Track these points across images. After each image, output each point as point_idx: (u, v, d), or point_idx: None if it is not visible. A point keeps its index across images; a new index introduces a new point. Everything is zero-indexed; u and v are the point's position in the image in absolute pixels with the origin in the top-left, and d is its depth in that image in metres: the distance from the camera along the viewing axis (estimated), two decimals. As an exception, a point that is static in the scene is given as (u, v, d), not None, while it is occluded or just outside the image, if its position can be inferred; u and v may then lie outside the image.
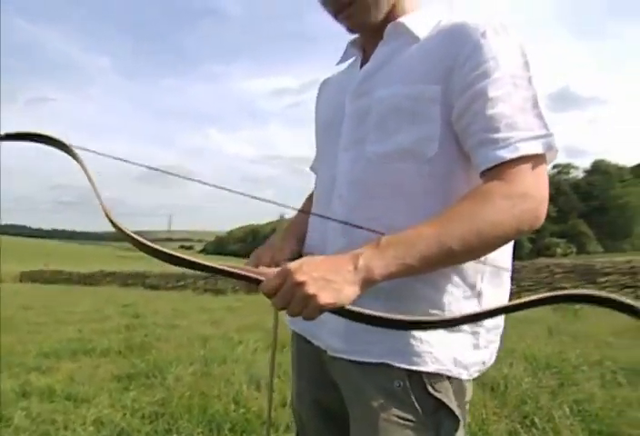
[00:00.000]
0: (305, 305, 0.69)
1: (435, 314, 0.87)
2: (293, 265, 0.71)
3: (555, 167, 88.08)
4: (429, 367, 0.87)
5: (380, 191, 0.90)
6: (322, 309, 0.69)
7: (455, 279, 0.88)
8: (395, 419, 0.87)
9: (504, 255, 0.94)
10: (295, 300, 0.69)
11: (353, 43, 1.07)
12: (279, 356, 5.07)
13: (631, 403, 3.10)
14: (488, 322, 0.92)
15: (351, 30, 1.00)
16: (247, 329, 7.07)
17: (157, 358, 4.64)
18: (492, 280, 0.92)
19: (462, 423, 0.90)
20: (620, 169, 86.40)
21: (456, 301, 0.88)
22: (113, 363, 4.67)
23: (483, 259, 0.87)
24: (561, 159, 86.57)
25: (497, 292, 0.93)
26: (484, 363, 0.94)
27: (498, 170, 0.79)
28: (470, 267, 0.88)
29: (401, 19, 0.95)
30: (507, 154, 0.78)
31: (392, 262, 0.73)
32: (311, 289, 0.68)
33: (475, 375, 0.93)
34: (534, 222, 0.78)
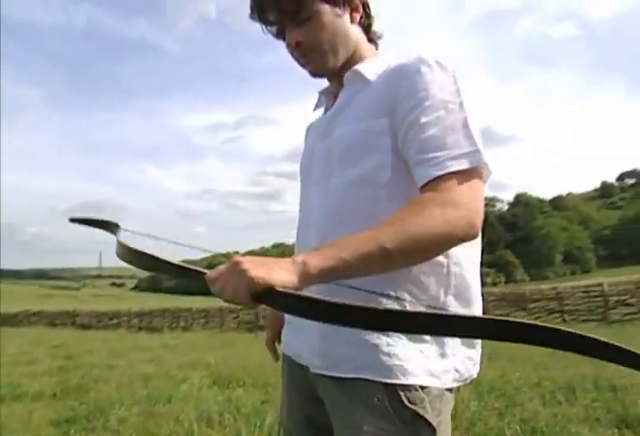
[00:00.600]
0: (238, 281, 0.72)
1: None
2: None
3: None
4: (401, 380, 0.91)
5: (346, 216, 0.97)
6: (250, 282, 0.71)
7: (415, 291, 0.93)
8: (376, 430, 0.90)
9: (471, 275, 1.00)
10: (231, 277, 0.73)
11: (323, 91, 1.18)
12: (227, 392, 4.97)
13: (571, 419, 3.28)
14: None
15: (313, 75, 1.10)
16: (189, 366, 6.85)
17: (97, 400, 4.42)
18: (458, 295, 0.96)
19: (439, 433, 0.93)
20: (540, 201, 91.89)
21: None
22: (48, 408, 4.40)
23: (446, 271, 0.93)
24: (486, 193, 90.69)
25: (466, 310, 0.99)
26: (457, 371, 0.96)
27: (431, 185, 0.86)
28: (432, 281, 0.93)
29: (357, 66, 1.05)
30: (437, 172, 0.85)
31: (328, 257, 0.76)
32: (246, 265, 0.72)
33: (452, 384, 0.96)
34: (468, 229, 0.82)
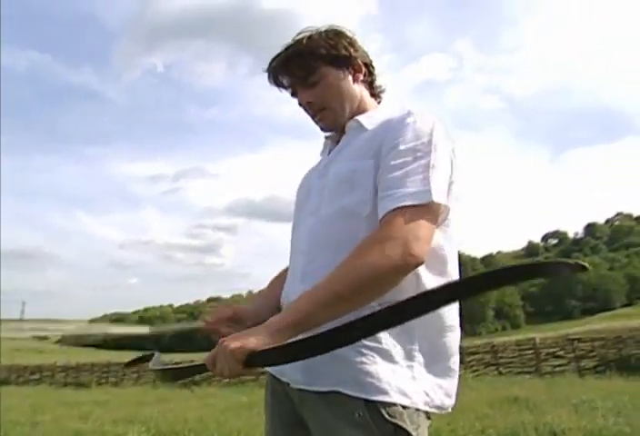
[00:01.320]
0: (225, 358, 0.90)
1: (374, 348, 1.01)
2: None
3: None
4: (376, 396, 0.98)
5: (330, 244, 1.09)
6: (233, 353, 0.89)
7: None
8: None
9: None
10: (220, 356, 0.91)
11: (328, 137, 1.32)
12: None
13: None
14: (419, 359, 1.04)
15: (324, 130, 1.26)
16: (125, 421, 6.46)
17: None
18: (427, 322, 1.02)
19: None
20: (472, 260, 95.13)
21: (389, 336, 1.02)
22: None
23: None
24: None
25: (435, 336, 1.07)
26: (427, 395, 1.03)
27: (385, 218, 0.99)
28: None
29: (357, 117, 1.21)
30: (390, 206, 0.99)
31: (289, 312, 0.94)
32: (226, 342, 0.91)
33: (423, 407, 1.02)
34: (406, 258, 0.92)
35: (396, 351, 1.02)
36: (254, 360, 0.90)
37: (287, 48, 1.21)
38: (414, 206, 0.98)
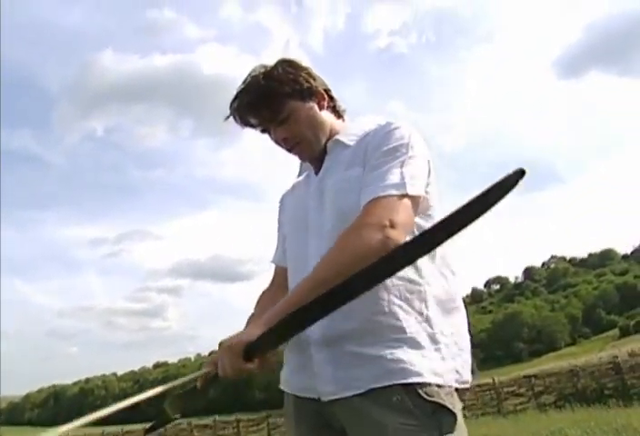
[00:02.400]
0: (227, 357, 1.01)
1: (401, 339, 1.07)
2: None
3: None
4: (411, 379, 1.03)
5: None
6: (231, 348, 1.00)
7: (407, 307, 1.10)
8: (402, 426, 1.01)
9: (442, 291, 1.16)
10: (222, 358, 1.02)
11: (303, 165, 1.37)
12: None
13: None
14: (444, 340, 1.11)
15: (303, 160, 1.33)
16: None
17: None
18: (437, 308, 1.13)
19: (459, 420, 1.05)
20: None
21: (412, 325, 1.09)
22: None
23: (423, 290, 1.11)
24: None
25: (447, 319, 1.14)
26: (458, 373, 1.11)
27: (364, 208, 1.08)
28: (415, 298, 1.11)
29: (337, 136, 1.26)
30: (367, 197, 1.08)
31: (279, 304, 1.04)
32: (224, 343, 1.03)
33: (455, 384, 1.09)
34: (384, 241, 1.00)
35: (422, 337, 1.08)
36: (252, 350, 0.98)
37: (248, 90, 1.22)
38: (390, 196, 1.06)
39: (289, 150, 1.27)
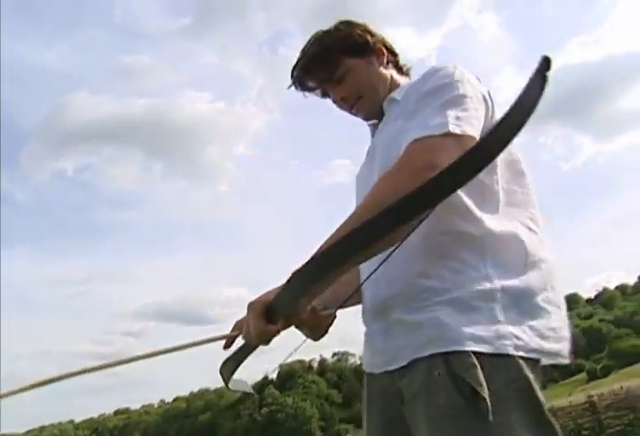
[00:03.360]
0: (249, 318, 0.93)
1: (446, 301, 0.97)
2: None
3: (335, 355, 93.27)
4: (451, 347, 0.93)
5: None
6: (255, 311, 0.92)
7: (455, 264, 1.00)
8: (439, 407, 0.92)
9: (505, 245, 1.02)
10: (247, 320, 0.95)
11: (370, 123, 1.32)
12: None
13: None
14: (502, 299, 0.97)
15: (366, 119, 1.29)
16: None
17: None
18: (501, 262, 1.00)
19: (495, 399, 0.89)
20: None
21: (461, 284, 0.98)
22: None
23: (480, 243, 1.00)
24: (338, 348, 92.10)
25: (516, 275, 1.00)
26: (518, 338, 0.94)
27: (405, 149, 1.00)
28: (468, 252, 1.00)
29: (390, 95, 1.22)
30: (407, 140, 1.00)
31: (321, 247, 0.93)
32: (249, 306, 0.95)
33: (511, 351, 0.93)
34: (412, 182, 0.86)
35: (474, 296, 0.96)
36: (273, 309, 0.91)
37: (303, 53, 1.23)
38: (429, 137, 0.96)
39: (349, 109, 1.25)
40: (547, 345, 0.98)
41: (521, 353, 0.94)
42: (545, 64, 0.68)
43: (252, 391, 1.24)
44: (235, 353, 1.13)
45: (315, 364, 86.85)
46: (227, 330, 1.14)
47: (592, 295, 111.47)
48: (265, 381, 77.64)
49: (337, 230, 0.94)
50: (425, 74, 1.12)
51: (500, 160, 1.07)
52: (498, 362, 0.92)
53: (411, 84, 1.18)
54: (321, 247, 0.92)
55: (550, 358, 1.00)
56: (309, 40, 1.24)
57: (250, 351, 1.11)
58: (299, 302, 0.92)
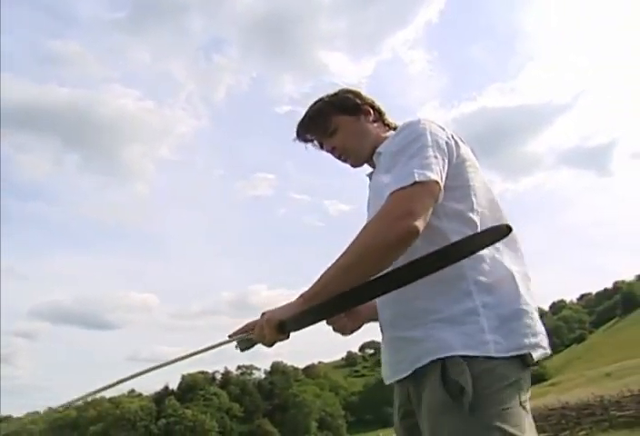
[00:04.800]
0: (263, 325, 1.18)
1: (439, 319, 1.17)
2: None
3: (239, 368, 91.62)
4: (446, 353, 1.13)
5: None
6: (268, 322, 1.17)
7: (443, 287, 1.19)
8: (436, 405, 1.12)
9: (484, 263, 1.21)
10: (259, 325, 1.20)
11: (368, 174, 1.51)
12: None
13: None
14: (485, 312, 1.16)
15: (353, 166, 1.51)
16: None
17: None
18: (478, 282, 1.19)
19: (482, 400, 1.08)
20: (295, 369, 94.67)
21: (450, 304, 1.18)
22: None
23: (461, 267, 1.17)
24: (244, 361, 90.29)
25: (490, 291, 1.19)
26: (498, 343, 1.13)
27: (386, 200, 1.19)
28: (453, 276, 1.18)
29: (378, 148, 1.40)
30: (385, 195, 1.19)
31: (313, 285, 1.18)
32: (267, 314, 1.19)
33: (493, 353, 1.12)
34: (398, 233, 1.11)
35: (460, 313, 1.16)
36: (285, 326, 1.16)
37: (305, 114, 1.51)
38: (401, 188, 1.16)
39: (339, 158, 1.49)
40: (526, 340, 1.17)
41: (502, 355, 1.13)
42: (505, 231, 1.08)
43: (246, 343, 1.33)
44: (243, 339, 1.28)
45: (219, 376, 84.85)
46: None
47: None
48: (166, 392, 74.78)
49: (332, 265, 1.17)
50: (398, 131, 1.35)
51: (473, 187, 1.27)
52: (484, 365, 1.11)
53: (389, 139, 1.39)
54: (321, 283, 1.17)
55: (534, 350, 1.17)
56: (312, 104, 1.51)
57: (253, 345, 1.28)
58: (310, 325, 1.17)
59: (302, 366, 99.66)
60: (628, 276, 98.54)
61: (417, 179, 1.14)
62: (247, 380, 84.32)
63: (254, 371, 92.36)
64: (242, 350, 1.31)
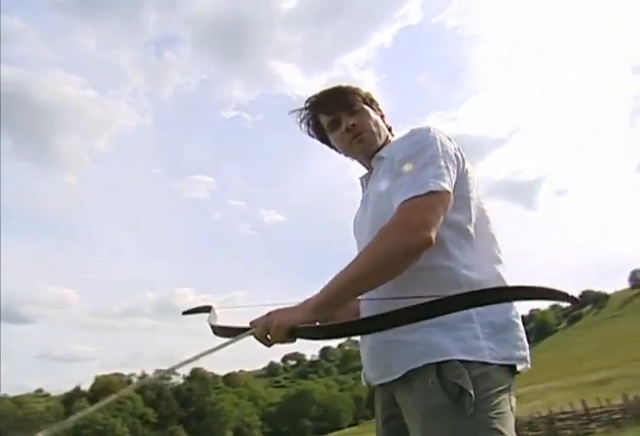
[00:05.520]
0: (271, 328, 1.13)
1: (434, 324, 1.12)
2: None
3: (157, 372, 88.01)
4: (444, 357, 1.14)
5: None
6: (279, 327, 1.12)
7: (439, 293, 1.12)
8: (431, 408, 1.12)
9: (477, 271, 1.23)
10: (267, 325, 1.14)
11: (362, 177, 1.53)
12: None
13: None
14: (478, 319, 1.18)
15: (359, 152, 1.46)
16: None
17: None
18: (469, 284, 1.19)
19: (481, 403, 1.10)
20: (215, 377, 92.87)
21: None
22: None
23: (456, 274, 1.21)
24: (162, 365, 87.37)
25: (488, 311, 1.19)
26: (493, 350, 1.16)
27: (396, 210, 1.19)
28: (449, 283, 1.19)
29: (378, 153, 1.42)
30: (397, 201, 1.19)
31: (321, 292, 1.16)
32: (272, 314, 1.15)
33: (488, 359, 1.14)
34: (412, 242, 1.11)
35: (455, 319, 1.14)
36: (294, 333, 1.14)
37: (330, 89, 1.47)
38: (415, 197, 1.16)
39: (352, 138, 1.42)
40: (517, 353, 1.20)
41: (497, 362, 1.15)
42: (569, 299, 1.04)
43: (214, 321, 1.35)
44: (233, 328, 1.25)
45: (135, 379, 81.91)
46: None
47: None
48: (77, 393, 71.41)
49: (344, 272, 1.14)
50: (405, 137, 1.33)
51: (472, 199, 1.28)
52: (480, 370, 1.12)
53: (393, 146, 1.39)
54: (332, 287, 1.15)
55: (520, 363, 1.20)
56: (336, 86, 1.47)
57: (245, 337, 1.22)
58: (321, 338, 1.13)
59: (222, 373, 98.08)
60: (543, 305, 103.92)
61: (432, 188, 1.15)
62: (165, 385, 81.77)
63: (172, 376, 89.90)
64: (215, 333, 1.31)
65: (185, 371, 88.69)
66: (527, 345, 1.24)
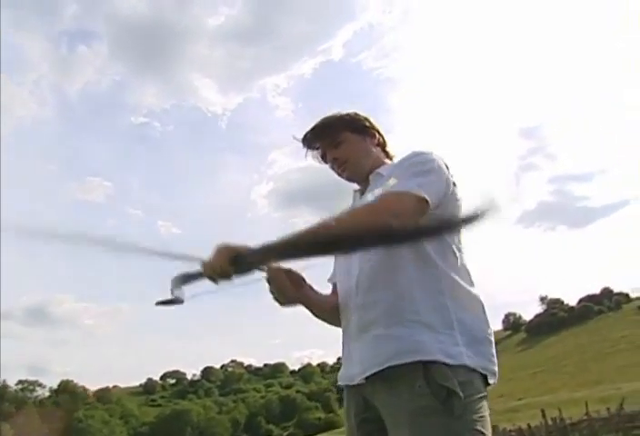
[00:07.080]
0: (215, 254, 1.15)
1: (418, 321, 1.21)
2: None
3: (19, 383, 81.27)
4: (425, 357, 1.17)
5: (379, 277, 1.32)
6: (223, 252, 1.13)
7: (425, 295, 1.26)
8: (417, 409, 1.15)
9: (460, 283, 1.31)
10: (213, 255, 1.15)
11: (356, 190, 1.60)
12: None
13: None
14: (458, 327, 1.23)
15: (348, 179, 1.56)
16: None
17: None
18: (454, 298, 1.27)
19: (468, 405, 1.15)
20: (86, 391, 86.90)
21: (430, 311, 1.24)
22: None
23: (442, 281, 1.28)
24: (26, 376, 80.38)
25: (464, 310, 1.27)
26: (471, 357, 1.20)
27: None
28: (435, 288, 1.27)
29: (377, 169, 1.49)
30: (387, 188, 1.30)
31: (285, 236, 1.14)
32: (219, 245, 1.15)
33: (468, 362, 1.19)
34: (389, 216, 1.16)
35: (437, 322, 1.21)
36: (240, 258, 1.11)
37: (319, 123, 1.55)
38: (402, 193, 1.24)
39: (337, 169, 1.55)
40: (491, 366, 1.24)
41: (478, 369, 1.20)
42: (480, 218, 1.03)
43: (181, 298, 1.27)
44: (189, 275, 1.24)
45: (-5, 389, 74.47)
46: None
47: (296, 368, 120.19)
48: None
49: (319, 225, 1.15)
50: (407, 157, 1.39)
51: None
52: (465, 376, 1.17)
53: (395, 164, 1.46)
54: (305, 232, 1.13)
55: (492, 377, 1.24)
56: (324, 117, 1.55)
57: (200, 280, 1.21)
58: (266, 261, 1.19)
59: (94, 388, 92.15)
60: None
61: (412, 191, 1.22)
62: (27, 397, 75.24)
63: (37, 388, 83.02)
64: (159, 303, 1.26)
65: (54, 383, 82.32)
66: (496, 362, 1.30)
